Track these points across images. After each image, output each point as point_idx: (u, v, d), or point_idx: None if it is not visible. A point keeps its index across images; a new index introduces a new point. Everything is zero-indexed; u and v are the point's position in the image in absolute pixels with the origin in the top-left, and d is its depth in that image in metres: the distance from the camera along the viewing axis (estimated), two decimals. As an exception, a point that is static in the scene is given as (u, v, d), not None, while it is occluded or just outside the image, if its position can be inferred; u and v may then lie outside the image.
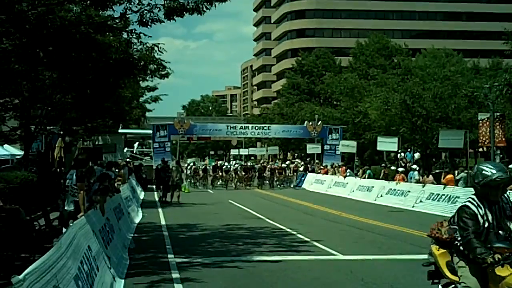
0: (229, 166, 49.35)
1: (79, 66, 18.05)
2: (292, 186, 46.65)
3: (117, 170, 26.84)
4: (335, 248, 15.55)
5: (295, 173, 48.10)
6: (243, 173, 46.48)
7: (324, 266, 13.55)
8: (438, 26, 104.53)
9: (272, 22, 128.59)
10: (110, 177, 16.52)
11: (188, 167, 48.93)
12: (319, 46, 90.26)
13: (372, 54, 68.10)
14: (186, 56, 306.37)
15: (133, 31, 16.60)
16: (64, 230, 11.68)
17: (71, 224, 9.88)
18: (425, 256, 14.42)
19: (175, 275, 12.13)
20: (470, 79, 45.95)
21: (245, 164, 51.26)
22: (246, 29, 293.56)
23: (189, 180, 45.12)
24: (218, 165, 49.23)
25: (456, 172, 30.96)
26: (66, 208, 12.30)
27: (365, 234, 19.23)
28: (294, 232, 18.96)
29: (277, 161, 56.44)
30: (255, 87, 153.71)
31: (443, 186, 28.00)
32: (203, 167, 49.10)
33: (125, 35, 18.00)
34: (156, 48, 19.80)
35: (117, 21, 16.22)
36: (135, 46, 18.24)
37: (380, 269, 13.25)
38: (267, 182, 46.80)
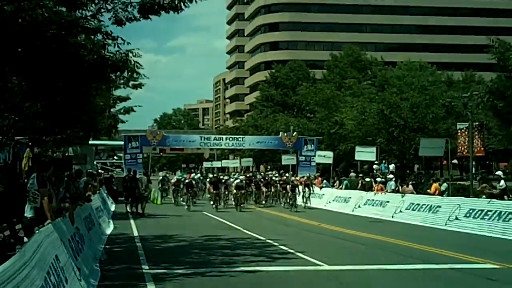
0: (231, 180, 38.42)
1: (50, 70, 17.06)
2: (305, 205, 35.84)
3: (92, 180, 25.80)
4: (319, 259, 14.77)
5: (306, 188, 36.72)
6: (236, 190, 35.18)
7: (312, 276, 12.76)
8: (411, 39, 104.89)
9: (245, 35, 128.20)
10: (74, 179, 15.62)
11: (172, 180, 41.98)
12: (293, 59, 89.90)
13: (345, 67, 67.94)
14: (158, 70, 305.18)
15: (110, 32, 15.71)
16: (25, 239, 10.73)
17: (36, 232, 8.96)
18: (413, 266, 13.87)
19: (151, 287, 11.25)
20: (444, 91, 45.76)
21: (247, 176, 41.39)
22: (218, 43, 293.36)
23: (166, 193, 42.38)
24: (220, 179, 38.23)
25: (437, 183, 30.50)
26: (26, 215, 11.31)
27: (347, 244, 18.61)
28: (276, 243, 18.14)
29: (275, 173, 45.99)
30: (228, 100, 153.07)
31: (424, 195, 27.59)
32: (187, 181, 37.33)
33: (100, 38, 17.13)
34: (130, 54, 18.95)
35: (90, 19, 15.32)
36: (110, 48, 17.30)
37: (368, 279, 12.54)
38: (272, 199, 38.63)
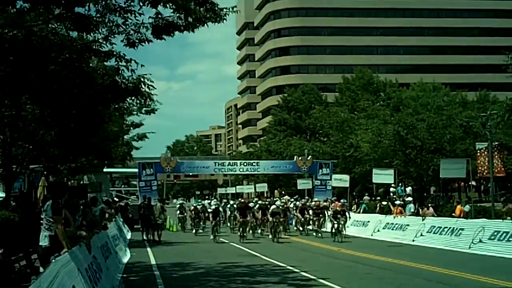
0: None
1: (63, 95, 16.84)
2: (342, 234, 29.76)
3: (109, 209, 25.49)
4: (344, 286, 14.26)
5: (340, 215, 30.27)
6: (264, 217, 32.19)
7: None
8: (423, 61, 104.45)
9: (256, 60, 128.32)
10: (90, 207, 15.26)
11: (191, 208, 38.62)
12: (304, 83, 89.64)
13: (357, 89, 67.51)
14: (169, 97, 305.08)
15: (123, 55, 15.50)
16: (41, 269, 10.33)
17: (53, 261, 8.56)
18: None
19: (172, 318, 10.81)
20: (459, 112, 45.16)
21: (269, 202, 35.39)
22: (229, 68, 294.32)
23: (184, 222, 39.76)
24: (248, 204, 33.78)
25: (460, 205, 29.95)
26: (40, 243, 10.92)
27: (370, 270, 18.02)
28: (297, 270, 17.61)
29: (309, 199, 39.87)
30: (240, 126, 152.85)
31: (445, 218, 27.05)
32: (213, 207, 32.85)
33: (113, 62, 16.92)
34: (143, 80, 18.69)
35: (102, 42, 15.10)
36: (123, 73, 17.05)
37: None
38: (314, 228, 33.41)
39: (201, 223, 37.02)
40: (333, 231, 29.69)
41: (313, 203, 35.66)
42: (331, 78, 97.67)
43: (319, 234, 32.08)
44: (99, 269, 12.51)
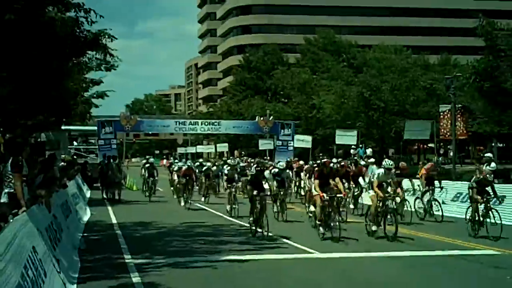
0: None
1: (19, 48, 16.03)
2: None
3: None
4: (309, 246, 14.08)
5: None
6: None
7: (305, 265, 12.04)
8: (384, 23, 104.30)
9: (217, 18, 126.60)
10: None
11: (175, 168, 29.73)
12: (266, 43, 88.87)
13: (318, 51, 67.20)
14: (128, 56, 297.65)
15: (82, 5, 14.75)
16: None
17: (11, 220, 8.09)
18: (409, 253, 13.18)
19: (136, 279, 10.42)
20: (422, 74, 45.26)
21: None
22: (190, 27, 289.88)
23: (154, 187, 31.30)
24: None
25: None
26: (1, 200, 10.44)
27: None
28: (260, 229, 17.33)
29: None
30: (200, 85, 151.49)
31: (405, 180, 26.97)
32: (228, 169, 24.68)
33: (72, 14, 16.14)
34: (103, 35, 17.98)
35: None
36: (82, 26, 16.31)
37: (368, 267, 11.94)
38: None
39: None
40: (479, 218, 16.34)
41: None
42: (293, 38, 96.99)
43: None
44: (59, 228, 12.04)
